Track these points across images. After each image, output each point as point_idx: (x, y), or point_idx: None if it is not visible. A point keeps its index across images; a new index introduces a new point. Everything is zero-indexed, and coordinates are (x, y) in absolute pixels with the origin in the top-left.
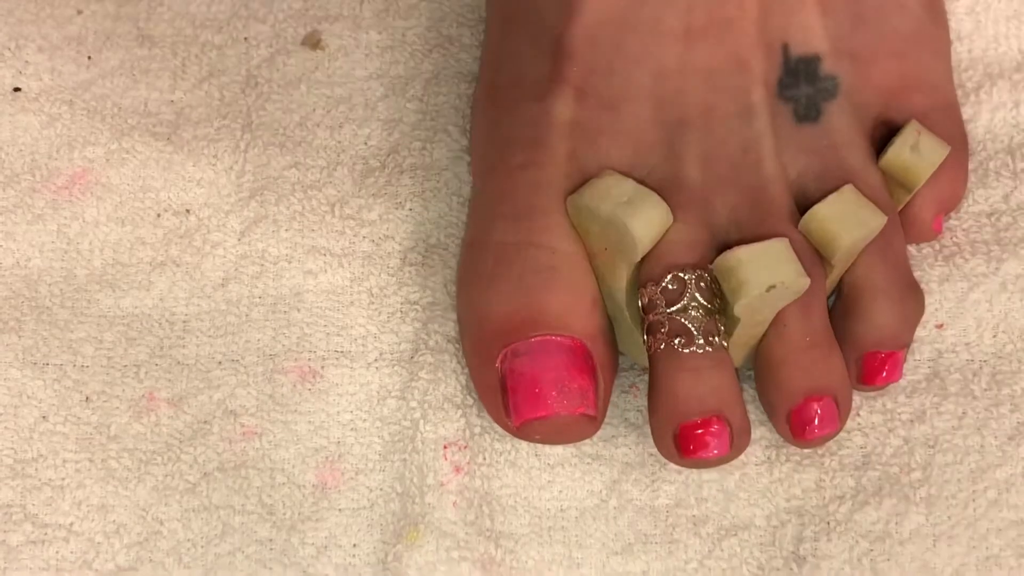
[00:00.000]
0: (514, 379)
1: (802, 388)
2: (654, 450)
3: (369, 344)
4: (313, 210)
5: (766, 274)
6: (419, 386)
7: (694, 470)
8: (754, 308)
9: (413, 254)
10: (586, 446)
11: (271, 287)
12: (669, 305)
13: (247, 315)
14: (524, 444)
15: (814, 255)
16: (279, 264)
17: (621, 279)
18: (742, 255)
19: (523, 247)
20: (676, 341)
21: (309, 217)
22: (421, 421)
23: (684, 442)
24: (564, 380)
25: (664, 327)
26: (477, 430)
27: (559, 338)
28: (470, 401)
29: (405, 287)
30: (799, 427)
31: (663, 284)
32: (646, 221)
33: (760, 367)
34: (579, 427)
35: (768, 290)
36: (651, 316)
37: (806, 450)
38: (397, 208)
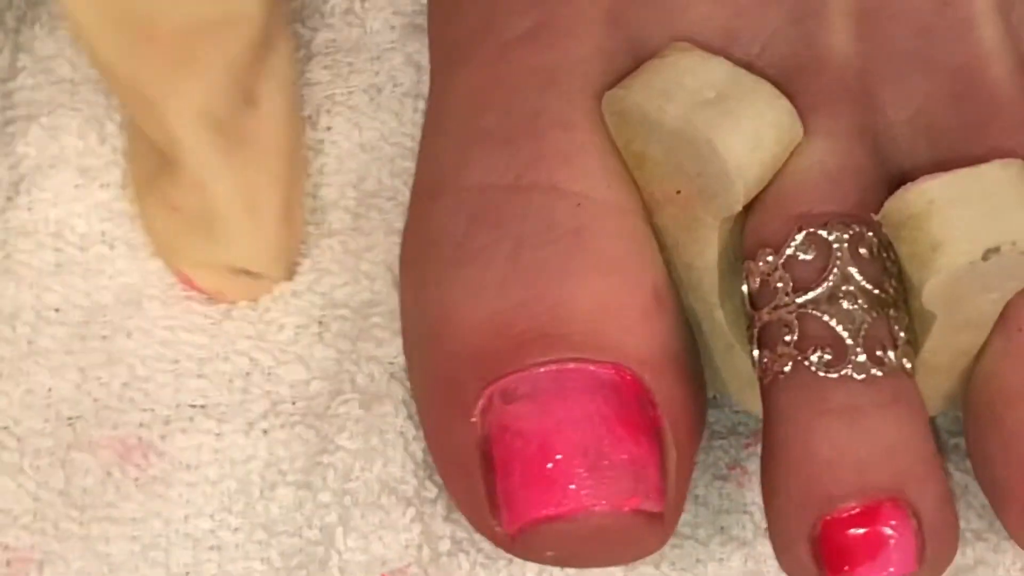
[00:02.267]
0: (506, 444)
1: None
2: None
3: (254, 388)
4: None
5: (984, 227)
6: (337, 462)
7: None
8: (960, 295)
9: (336, 212)
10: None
11: (80, 291)
12: (800, 291)
13: (32, 343)
14: (529, 569)
15: None
16: (94, 248)
17: (708, 247)
18: (937, 192)
19: (524, 193)
20: (815, 358)
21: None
22: (340, 529)
23: (830, 551)
24: (601, 445)
25: (791, 332)
26: (444, 546)
27: (592, 367)
28: (431, 490)
29: (327, 276)
30: None
31: (788, 252)
32: (751, 135)
33: (975, 411)
34: (630, 535)
35: (986, 257)
36: (766, 313)
37: None
38: (304, 87)
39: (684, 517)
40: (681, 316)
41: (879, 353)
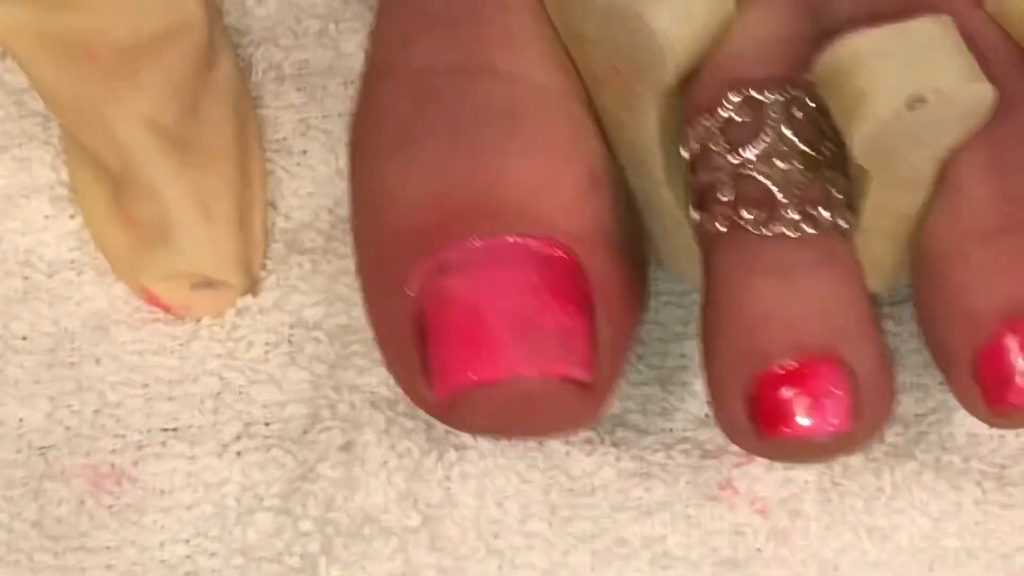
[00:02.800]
0: (440, 314)
1: (996, 306)
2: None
3: (226, 409)
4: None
5: (909, 77)
6: (318, 491)
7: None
8: (891, 148)
9: (309, 232)
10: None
11: (47, 318)
12: (735, 152)
13: (0, 372)
14: None
15: (1010, 49)
16: (61, 274)
17: (649, 124)
18: (864, 45)
19: (463, 76)
20: (748, 216)
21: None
22: (323, 559)
23: (765, 409)
24: (531, 313)
25: (726, 192)
26: (429, 575)
27: (524, 240)
28: (414, 519)
29: (296, 294)
30: (995, 383)
31: (723, 115)
32: (681, 8)
33: (920, 275)
34: (560, 404)
35: (910, 106)
36: (703, 175)
37: None
38: (279, 110)
39: (676, 538)
40: (619, 199)
41: (812, 211)
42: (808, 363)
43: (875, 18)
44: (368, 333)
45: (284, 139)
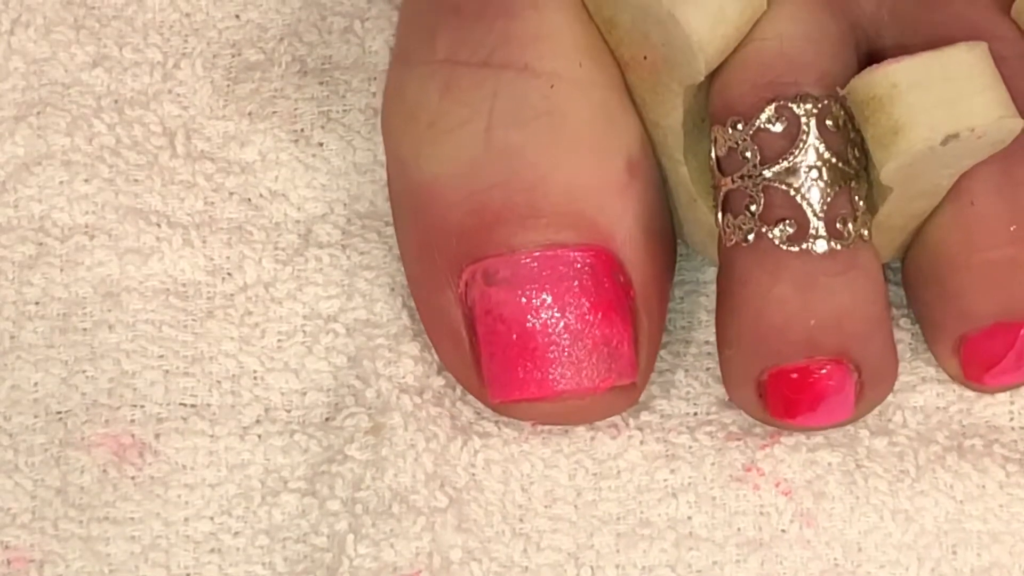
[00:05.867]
0: (489, 327)
1: (992, 308)
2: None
3: (244, 392)
4: (136, 141)
5: (944, 114)
6: (346, 472)
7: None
8: (918, 173)
9: (324, 226)
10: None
11: (59, 284)
12: (767, 163)
13: (14, 338)
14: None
15: None
16: (74, 239)
17: (673, 110)
18: (900, 76)
19: (495, 72)
20: (777, 231)
21: (128, 154)
22: (350, 537)
23: (775, 399)
24: (577, 331)
25: (756, 203)
26: (456, 555)
27: (568, 252)
28: (441, 500)
29: (312, 285)
30: (975, 364)
31: (757, 123)
32: (714, 9)
33: (919, 264)
34: (604, 406)
35: (945, 142)
36: (732, 180)
37: None
38: (299, 102)
39: (700, 519)
40: (655, 173)
41: (839, 227)
42: (818, 365)
43: (905, 26)
44: (393, 328)
45: (302, 130)
